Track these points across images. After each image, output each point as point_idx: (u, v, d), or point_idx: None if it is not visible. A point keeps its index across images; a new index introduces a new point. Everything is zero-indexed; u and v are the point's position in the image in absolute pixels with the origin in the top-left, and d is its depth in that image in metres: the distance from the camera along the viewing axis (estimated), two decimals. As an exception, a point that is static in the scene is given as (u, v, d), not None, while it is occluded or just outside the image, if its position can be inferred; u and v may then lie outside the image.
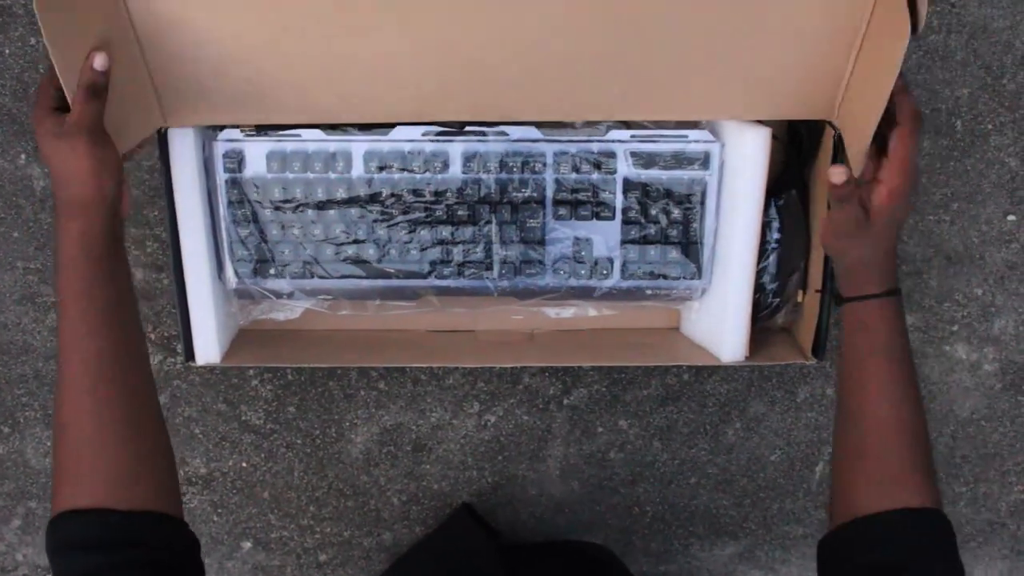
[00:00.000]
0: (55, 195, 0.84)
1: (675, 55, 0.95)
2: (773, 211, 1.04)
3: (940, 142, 1.15)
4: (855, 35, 0.92)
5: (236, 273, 1.04)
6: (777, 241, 1.04)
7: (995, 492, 1.29)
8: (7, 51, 1.10)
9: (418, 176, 1.00)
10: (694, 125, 1.00)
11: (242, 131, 0.99)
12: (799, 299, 1.08)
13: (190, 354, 1.04)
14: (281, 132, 0.99)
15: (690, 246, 1.03)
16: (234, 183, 1.01)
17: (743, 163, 0.98)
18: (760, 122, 0.99)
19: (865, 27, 0.91)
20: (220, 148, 1.00)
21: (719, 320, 1.05)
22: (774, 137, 0.98)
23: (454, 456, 1.27)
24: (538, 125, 0.99)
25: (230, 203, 1.01)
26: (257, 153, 1.00)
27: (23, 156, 1.13)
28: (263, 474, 1.27)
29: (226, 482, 1.27)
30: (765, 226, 1.03)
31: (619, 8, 0.93)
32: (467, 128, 0.99)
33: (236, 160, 1.00)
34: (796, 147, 1.04)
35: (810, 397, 1.24)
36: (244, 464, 1.27)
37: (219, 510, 1.28)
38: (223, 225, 1.02)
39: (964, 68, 1.13)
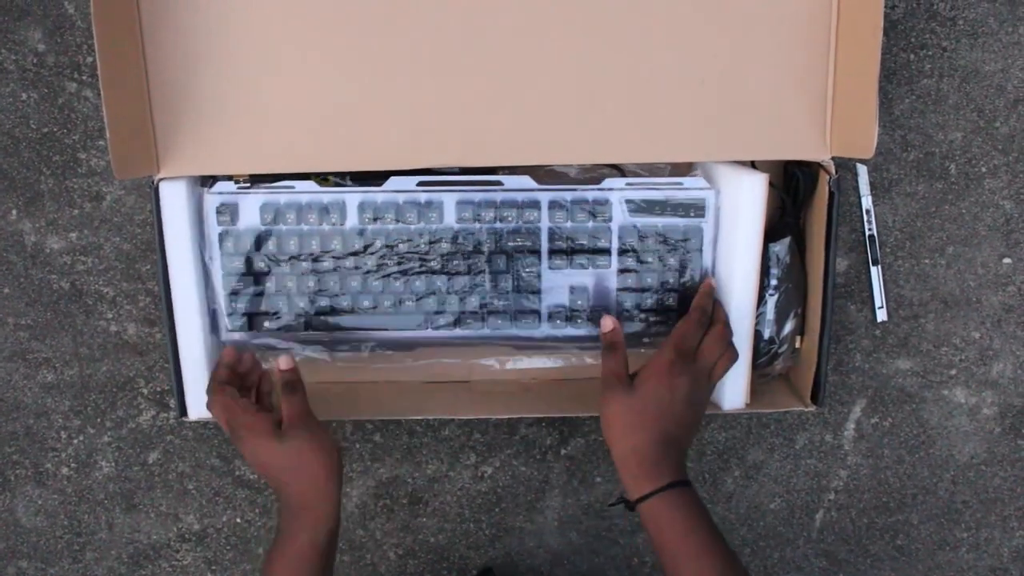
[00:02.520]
0: (282, 502, 0.91)
1: (665, 97, 0.96)
2: (770, 258, 1.04)
3: (934, 186, 1.15)
4: (827, 61, 0.95)
5: (229, 327, 1.03)
6: (774, 287, 1.04)
7: (997, 537, 1.28)
8: (-2, 106, 1.10)
9: (412, 227, 1.00)
10: (687, 169, 1.01)
11: (236, 183, 0.99)
12: (797, 345, 1.07)
13: (183, 409, 1.04)
14: (274, 184, 0.99)
15: (687, 293, 1.02)
16: (227, 236, 1.00)
17: (740, 209, 0.97)
18: (755, 168, 1.00)
19: (834, 51, 0.94)
20: (213, 201, 1.00)
21: None
22: (770, 184, 0.98)
23: (451, 508, 1.25)
24: (533, 175, 0.99)
25: (224, 256, 1.01)
26: (251, 205, 1.00)
27: (14, 212, 1.12)
28: (257, 529, 1.25)
29: (220, 538, 1.26)
30: (762, 272, 1.02)
31: (607, 53, 0.94)
32: (461, 178, 0.99)
33: (229, 213, 0.99)
34: (792, 193, 1.04)
35: (809, 444, 1.24)
36: (238, 520, 1.25)
37: (213, 567, 1.26)
38: (217, 278, 1.02)
39: (957, 112, 1.14)
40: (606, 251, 1.01)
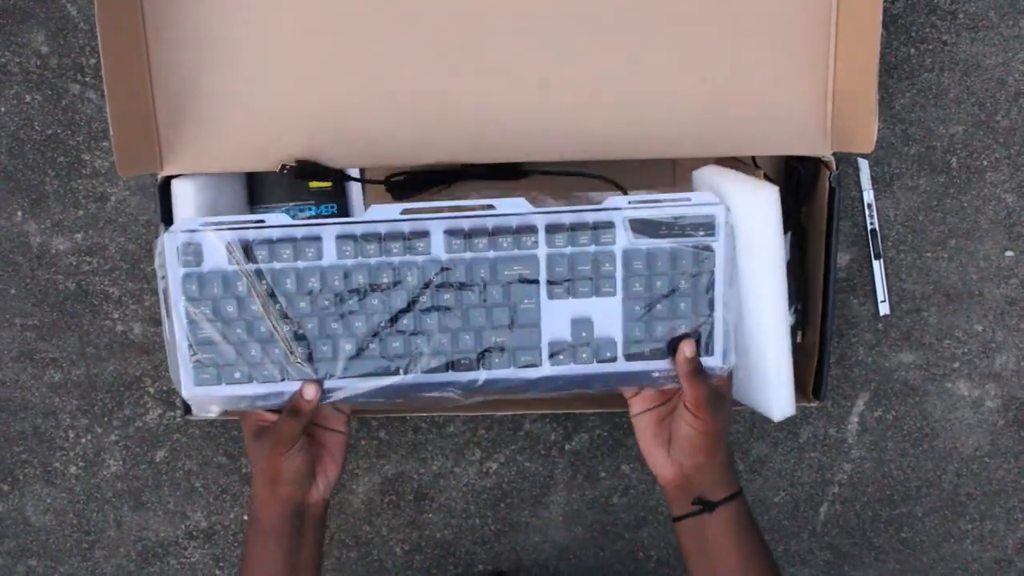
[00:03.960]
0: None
1: (666, 93, 0.96)
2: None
3: (936, 179, 1.15)
4: (827, 56, 0.95)
5: (195, 383, 0.92)
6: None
7: (1001, 529, 1.28)
8: (2, 109, 1.11)
9: (396, 260, 0.90)
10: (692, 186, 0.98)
11: (201, 220, 0.90)
12: (798, 340, 1.07)
13: (188, 408, 1.04)
14: (243, 219, 0.89)
15: (700, 320, 0.93)
16: (190, 279, 0.89)
17: (755, 229, 0.92)
18: (755, 163, 1.00)
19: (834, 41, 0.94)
20: (174, 240, 0.89)
21: (761, 381, 0.99)
22: (768, 178, 0.98)
23: (456, 504, 1.26)
24: (528, 197, 0.92)
25: (188, 300, 0.90)
26: (216, 243, 0.89)
27: (19, 213, 1.13)
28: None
29: (227, 535, 1.26)
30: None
31: (609, 49, 0.94)
32: (448, 204, 0.90)
33: (193, 252, 0.89)
34: (793, 189, 1.04)
35: (812, 438, 1.24)
36: (246, 517, 1.26)
37: (221, 564, 1.27)
38: (177, 327, 0.91)
39: (958, 105, 1.14)
40: (610, 277, 0.91)
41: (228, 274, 0.89)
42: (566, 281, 0.91)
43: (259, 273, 0.89)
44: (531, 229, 0.90)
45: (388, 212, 0.89)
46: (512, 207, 0.90)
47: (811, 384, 1.06)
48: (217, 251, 0.89)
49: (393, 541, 1.28)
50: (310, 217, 1.10)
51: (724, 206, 0.90)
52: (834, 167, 0.97)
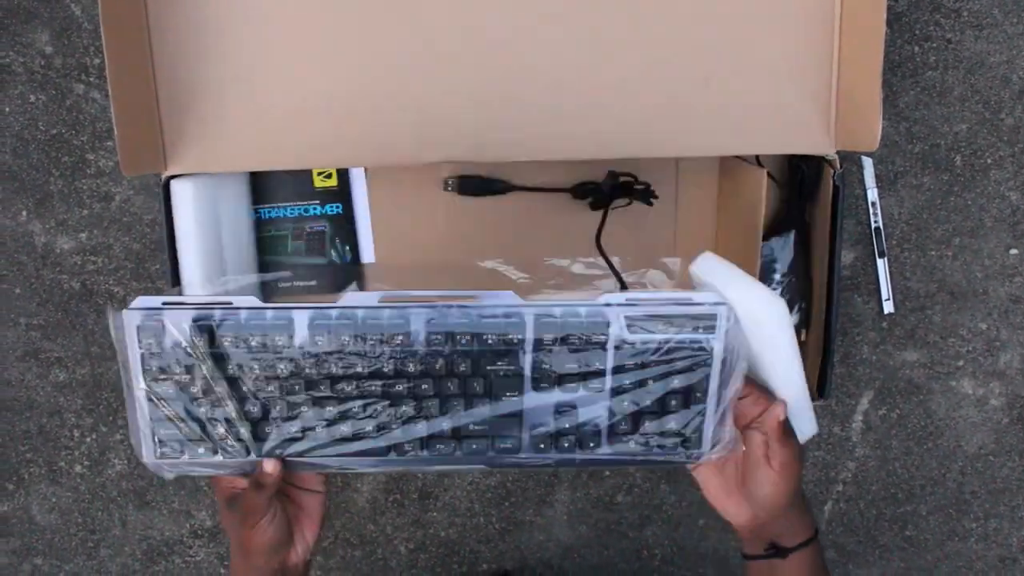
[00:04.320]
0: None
1: (670, 93, 0.96)
2: (776, 251, 1.04)
3: (940, 177, 1.15)
4: (831, 54, 0.95)
5: (157, 456, 0.85)
6: (778, 282, 1.04)
7: (1005, 527, 1.28)
8: (7, 109, 1.11)
9: (372, 351, 0.83)
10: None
11: (162, 299, 0.83)
12: (802, 339, 1.07)
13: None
14: (207, 301, 0.82)
15: (692, 416, 0.88)
16: (151, 358, 0.82)
17: (765, 334, 0.90)
18: (759, 162, 1.00)
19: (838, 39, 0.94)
20: (132, 319, 0.81)
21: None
22: (771, 178, 0.98)
23: (461, 503, 1.26)
24: (518, 290, 0.87)
25: (148, 379, 0.83)
26: (179, 324, 0.82)
27: (24, 213, 1.13)
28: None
29: (232, 534, 1.27)
30: (767, 267, 1.02)
31: (613, 48, 0.94)
32: (429, 293, 0.84)
33: (154, 335, 0.82)
34: (796, 188, 1.04)
35: (816, 436, 1.24)
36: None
37: (226, 562, 1.27)
38: (136, 404, 0.84)
39: (962, 103, 1.14)
40: (600, 374, 0.85)
41: (189, 356, 0.82)
42: (553, 374, 0.85)
43: (223, 356, 0.82)
44: (519, 324, 0.84)
45: (365, 299, 0.83)
46: (498, 300, 0.84)
47: (815, 383, 1.06)
48: (180, 331, 0.81)
49: (397, 539, 1.28)
50: (315, 217, 1.11)
51: (727, 305, 0.85)
52: (838, 165, 0.97)
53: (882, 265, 1.17)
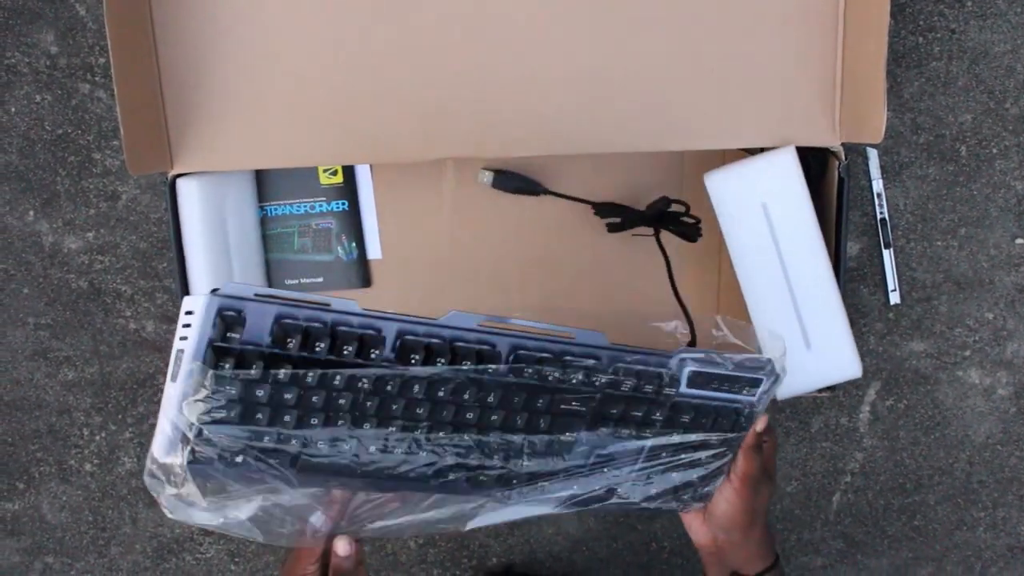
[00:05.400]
0: None
1: (676, 85, 0.96)
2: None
3: (945, 168, 1.15)
4: (835, 46, 0.95)
5: (194, 457, 0.74)
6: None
7: (1014, 517, 1.28)
8: (13, 109, 1.11)
9: (463, 369, 0.77)
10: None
11: (254, 288, 0.73)
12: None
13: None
14: (302, 298, 0.74)
15: (714, 470, 0.89)
16: (227, 353, 0.72)
17: (784, 196, 0.95)
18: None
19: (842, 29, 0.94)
20: (214, 304, 0.71)
21: (823, 351, 0.99)
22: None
23: (469, 497, 1.26)
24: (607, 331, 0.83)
25: (209, 374, 0.71)
26: (262, 317, 0.73)
27: (31, 213, 1.14)
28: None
29: (242, 530, 1.27)
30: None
31: (618, 42, 0.94)
32: (525, 323, 0.80)
33: (237, 323, 0.72)
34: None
35: (824, 427, 1.24)
36: (260, 513, 1.26)
37: (236, 559, 1.28)
38: (179, 391, 0.72)
39: (967, 94, 1.14)
40: (653, 424, 0.85)
41: (268, 355, 0.73)
42: (611, 417, 0.83)
43: (302, 360, 0.74)
44: (600, 367, 0.81)
45: (463, 320, 0.77)
46: (590, 339, 0.81)
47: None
48: (261, 326, 0.73)
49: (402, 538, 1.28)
50: (322, 214, 1.11)
51: (774, 374, 0.85)
52: (843, 157, 0.97)
53: (888, 256, 1.17)
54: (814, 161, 1.02)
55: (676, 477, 0.88)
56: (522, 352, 0.79)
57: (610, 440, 0.84)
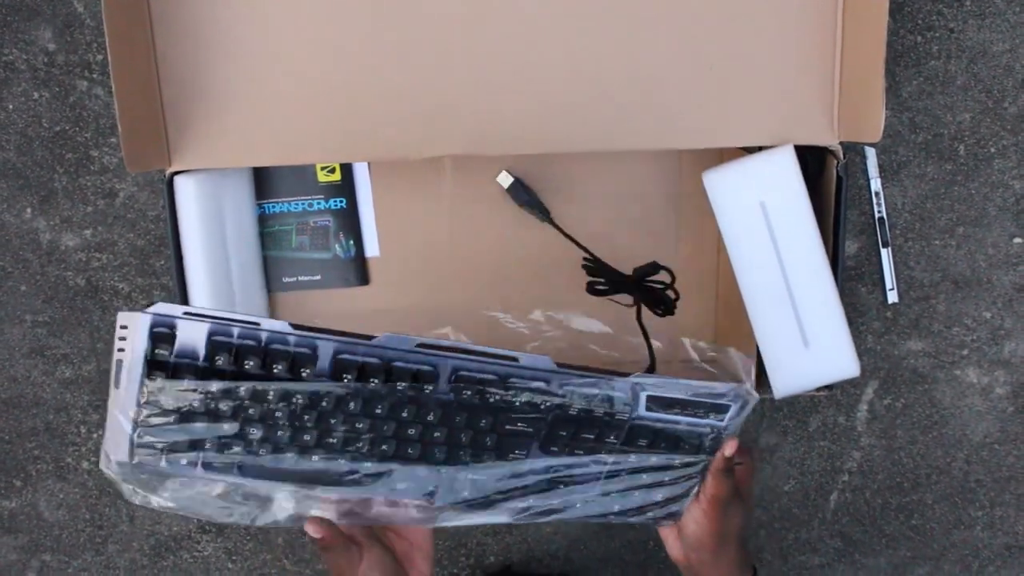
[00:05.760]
0: None
1: (674, 83, 0.96)
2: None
3: (943, 167, 1.15)
4: (834, 45, 0.95)
5: (135, 458, 0.79)
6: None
7: (1011, 516, 1.28)
8: (11, 106, 1.11)
9: (400, 391, 0.79)
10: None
11: (183, 308, 0.77)
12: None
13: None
14: (231, 318, 0.77)
15: (680, 491, 0.89)
16: (156, 362, 0.76)
17: (781, 194, 0.95)
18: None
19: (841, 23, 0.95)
20: (144, 321, 0.75)
21: (819, 351, 0.98)
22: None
23: (467, 496, 1.26)
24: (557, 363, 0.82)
25: (144, 384, 0.76)
26: (194, 335, 0.76)
27: (28, 210, 1.14)
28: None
29: (240, 528, 1.27)
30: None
31: (616, 39, 0.94)
32: (466, 346, 0.80)
33: (167, 340, 0.76)
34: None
35: (822, 426, 1.24)
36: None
37: (234, 557, 1.28)
38: (129, 397, 0.77)
39: (965, 93, 1.14)
40: (611, 446, 0.85)
41: (194, 368, 0.76)
42: (562, 439, 0.84)
43: (235, 375, 0.77)
44: (548, 390, 0.81)
45: (402, 342, 0.79)
46: (535, 362, 0.81)
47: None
48: (194, 342, 0.76)
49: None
50: (319, 212, 1.11)
51: (754, 397, 0.86)
52: (841, 156, 0.97)
53: (886, 255, 1.17)
54: (812, 160, 1.02)
55: (638, 496, 0.88)
56: (463, 373, 0.80)
57: (564, 460, 0.84)
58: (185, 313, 0.76)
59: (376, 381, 0.78)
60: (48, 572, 1.28)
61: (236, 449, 0.78)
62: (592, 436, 0.84)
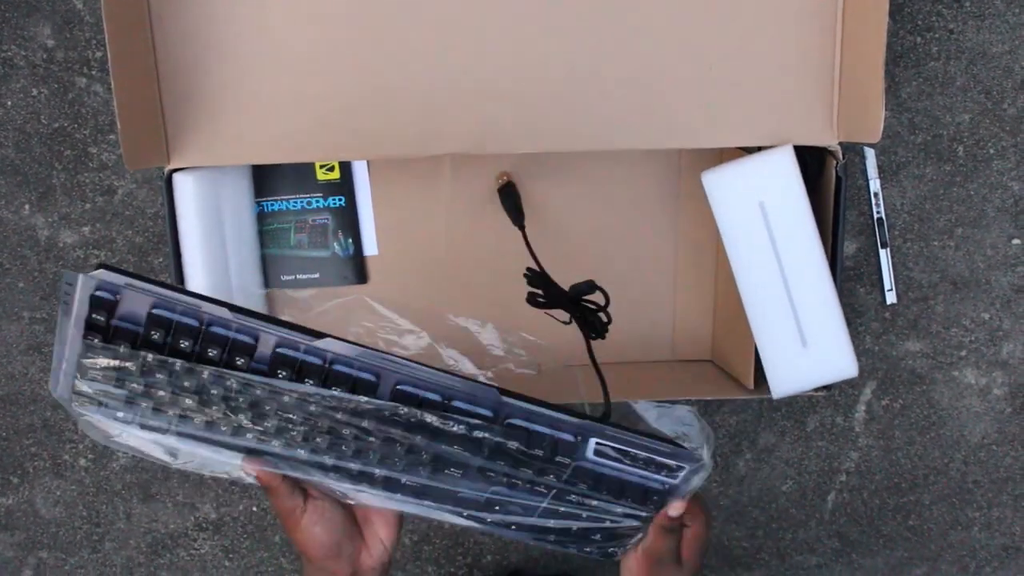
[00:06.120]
0: None
1: (674, 83, 0.96)
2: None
3: (942, 168, 1.15)
4: (833, 45, 0.95)
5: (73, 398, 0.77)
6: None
7: (1008, 516, 1.28)
8: (9, 103, 1.11)
9: (335, 395, 0.76)
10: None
11: (125, 279, 0.75)
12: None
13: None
14: (174, 291, 0.75)
15: (623, 536, 0.86)
16: (96, 325, 0.75)
17: (780, 196, 0.95)
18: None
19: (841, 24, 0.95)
20: (89, 284, 0.74)
21: (818, 350, 0.99)
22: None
23: (464, 494, 1.26)
24: (501, 391, 0.79)
25: (86, 344, 0.75)
26: (137, 305, 0.75)
27: (27, 207, 1.13)
28: (274, 517, 1.26)
29: (236, 526, 1.27)
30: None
31: (616, 39, 0.94)
32: (408, 357, 0.78)
33: (106, 307, 0.74)
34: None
35: (820, 426, 1.24)
36: (255, 508, 1.26)
37: (230, 555, 1.28)
38: (70, 344, 0.76)
39: (964, 94, 1.14)
40: (550, 486, 0.81)
41: (141, 338, 0.75)
42: (499, 468, 0.80)
43: (174, 351, 0.75)
44: (487, 424, 0.78)
45: (342, 347, 0.77)
46: (479, 391, 0.78)
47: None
48: (136, 313, 0.75)
49: (402, 531, 1.28)
50: (318, 210, 1.11)
51: (704, 463, 0.82)
52: (840, 156, 0.97)
53: (884, 256, 1.17)
54: (811, 160, 1.02)
55: (575, 528, 0.84)
56: (404, 389, 0.78)
57: (501, 489, 0.81)
58: (127, 284, 0.74)
59: (311, 382, 0.76)
60: (45, 569, 1.28)
61: (172, 413, 0.77)
62: (531, 472, 0.80)
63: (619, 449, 0.81)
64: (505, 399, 0.78)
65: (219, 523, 1.27)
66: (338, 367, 0.77)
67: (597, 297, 0.97)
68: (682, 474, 0.82)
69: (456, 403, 0.78)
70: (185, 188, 0.97)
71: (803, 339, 0.97)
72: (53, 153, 1.13)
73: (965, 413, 1.24)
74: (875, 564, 1.31)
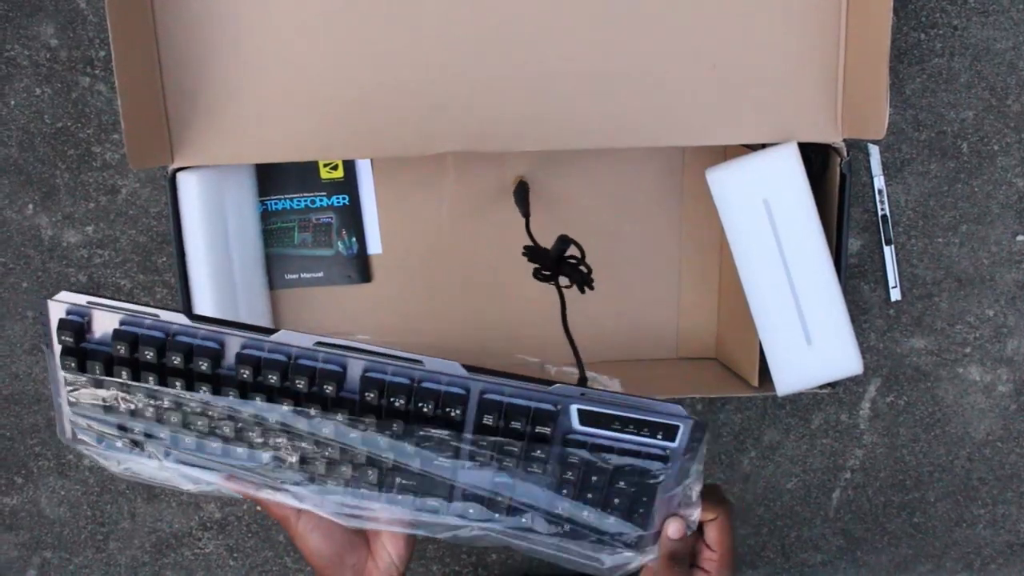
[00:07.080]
0: None
1: (677, 80, 0.96)
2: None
3: (947, 164, 1.15)
4: (837, 42, 0.95)
5: (74, 436, 0.81)
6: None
7: (1014, 513, 1.28)
8: (12, 102, 1.11)
9: (302, 389, 0.75)
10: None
11: (87, 298, 0.77)
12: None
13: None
14: (132, 306, 0.76)
15: (635, 515, 0.81)
16: (71, 351, 0.77)
17: (784, 192, 0.95)
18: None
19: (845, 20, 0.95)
20: (55, 310, 0.76)
21: (823, 349, 0.98)
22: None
23: (469, 493, 1.26)
24: (467, 367, 0.77)
25: (68, 372, 0.78)
26: (102, 324, 0.76)
27: (30, 206, 1.13)
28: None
29: (241, 526, 1.27)
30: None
31: (619, 36, 0.94)
32: (370, 347, 0.76)
33: (73, 330, 0.76)
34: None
35: (824, 424, 1.24)
36: (259, 507, 1.26)
37: (235, 554, 1.28)
38: (61, 388, 0.79)
39: (968, 90, 1.14)
40: (543, 461, 0.78)
41: (109, 358, 0.76)
42: (493, 452, 0.78)
43: (144, 366, 0.76)
44: (460, 398, 0.76)
45: (301, 339, 0.76)
46: (442, 367, 0.76)
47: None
48: (101, 332, 0.76)
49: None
50: (322, 208, 1.11)
51: (690, 420, 0.78)
52: (845, 153, 0.97)
53: (889, 252, 1.17)
54: (816, 157, 1.02)
55: (586, 515, 0.81)
56: (372, 375, 0.76)
57: (493, 473, 0.79)
58: (89, 303, 0.75)
59: (274, 378, 0.75)
60: (49, 569, 1.28)
61: (162, 436, 0.78)
62: (517, 448, 0.77)
63: (605, 414, 0.77)
64: (473, 375, 0.76)
65: (223, 522, 1.27)
66: (303, 361, 0.76)
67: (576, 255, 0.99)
68: (679, 433, 0.78)
69: (425, 384, 0.76)
70: (189, 187, 0.97)
71: (808, 336, 0.97)
72: (57, 152, 1.13)
73: (970, 410, 1.24)
74: (880, 561, 1.31)
